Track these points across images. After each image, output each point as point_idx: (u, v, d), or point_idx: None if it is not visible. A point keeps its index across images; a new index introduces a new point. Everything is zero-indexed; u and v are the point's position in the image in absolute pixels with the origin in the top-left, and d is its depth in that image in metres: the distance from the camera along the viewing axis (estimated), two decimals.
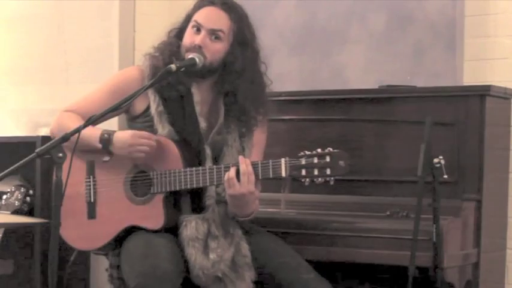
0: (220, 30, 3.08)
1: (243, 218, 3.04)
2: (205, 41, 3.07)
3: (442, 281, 3.12)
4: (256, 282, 3.03)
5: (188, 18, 3.15)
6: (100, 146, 3.05)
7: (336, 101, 3.64)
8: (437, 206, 3.05)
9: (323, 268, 3.11)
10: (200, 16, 3.10)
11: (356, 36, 4.06)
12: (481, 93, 3.41)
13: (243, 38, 3.12)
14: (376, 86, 3.71)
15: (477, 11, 3.86)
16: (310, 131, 3.66)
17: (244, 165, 2.91)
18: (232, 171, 2.90)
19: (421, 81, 3.81)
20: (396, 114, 3.54)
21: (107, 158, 3.09)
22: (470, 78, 3.83)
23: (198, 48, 3.05)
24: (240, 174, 2.91)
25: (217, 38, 3.08)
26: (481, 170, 3.39)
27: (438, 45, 3.86)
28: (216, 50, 3.08)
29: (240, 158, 2.94)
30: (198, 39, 3.07)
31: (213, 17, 3.09)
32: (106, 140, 3.04)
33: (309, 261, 3.09)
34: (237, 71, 3.10)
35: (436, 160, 3.04)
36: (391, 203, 3.42)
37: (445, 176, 3.06)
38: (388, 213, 3.36)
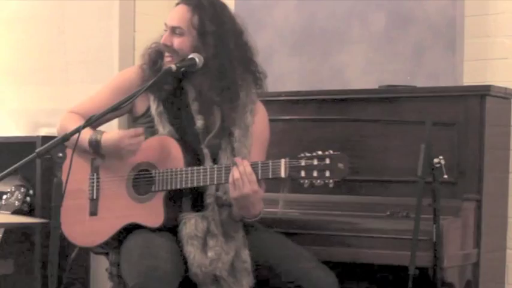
0: (179, 27, 3.10)
1: (250, 219, 3.04)
2: (168, 39, 3.10)
3: (442, 281, 3.12)
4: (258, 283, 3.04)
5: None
6: (91, 150, 3.08)
7: (336, 101, 3.65)
8: (437, 206, 3.06)
9: None
10: (168, 17, 3.15)
11: (356, 36, 4.06)
12: (481, 93, 3.41)
13: (205, 25, 3.09)
14: (376, 86, 3.71)
15: (477, 11, 3.86)
16: (310, 131, 3.66)
17: (242, 166, 2.91)
18: (236, 173, 2.90)
19: (421, 81, 3.81)
20: (396, 114, 3.54)
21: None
22: (470, 78, 3.83)
23: (165, 47, 3.11)
24: (241, 175, 2.91)
25: (180, 33, 3.10)
26: (481, 170, 3.39)
27: (438, 45, 3.86)
28: (179, 43, 3.10)
29: (237, 159, 2.95)
30: (163, 39, 3.13)
31: (173, 14, 3.13)
32: (94, 144, 3.07)
33: None
34: (209, 56, 3.08)
35: (436, 160, 3.05)
36: (391, 203, 3.42)
37: (445, 176, 3.06)
38: (388, 213, 3.36)
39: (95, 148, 3.07)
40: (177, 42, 3.10)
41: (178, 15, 3.11)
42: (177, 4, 3.16)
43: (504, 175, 3.70)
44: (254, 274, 3.03)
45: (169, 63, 3.08)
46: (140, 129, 3.06)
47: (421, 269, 3.10)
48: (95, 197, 3.14)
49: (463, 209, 3.32)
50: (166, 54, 3.12)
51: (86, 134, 3.07)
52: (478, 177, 3.39)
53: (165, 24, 3.14)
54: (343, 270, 3.46)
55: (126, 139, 3.03)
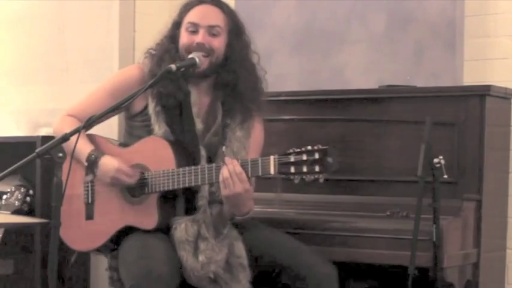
0: (218, 26, 3.12)
1: (241, 217, 3.04)
2: (206, 38, 3.09)
3: (442, 281, 3.12)
4: (257, 277, 3.03)
5: (177, 24, 3.17)
6: (86, 165, 3.07)
7: (336, 101, 3.64)
8: (437, 206, 3.06)
9: None
10: (194, 16, 3.13)
11: (356, 36, 4.06)
12: (481, 93, 3.41)
13: (237, 29, 3.17)
14: (376, 86, 3.71)
15: (477, 11, 3.86)
16: (310, 131, 3.66)
17: (232, 165, 2.90)
18: (226, 172, 2.90)
19: (421, 81, 3.81)
20: (396, 114, 3.54)
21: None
22: (470, 78, 3.83)
23: (201, 46, 3.07)
24: (231, 174, 2.91)
25: (215, 34, 3.11)
26: (481, 170, 3.39)
27: (438, 45, 3.86)
28: (217, 45, 3.11)
29: (226, 159, 2.94)
30: (197, 38, 3.09)
31: (207, 14, 3.13)
32: (92, 161, 3.06)
33: None
34: (237, 60, 3.13)
35: (436, 160, 3.05)
36: (391, 203, 3.42)
37: (445, 176, 3.06)
38: (388, 213, 3.36)
39: (91, 165, 3.06)
40: (216, 42, 3.10)
41: (213, 14, 3.13)
42: (198, 4, 3.14)
43: (504, 175, 3.70)
44: (251, 268, 3.03)
45: (204, 63, 3.06)
46: (137, 172, 3.05)
47: (421, 269, 3.10)
48: (90, 201, 3.13)
49: (463, 209, 3.32)
50: (203, 53, 3.07)
51: (86, 147, 3.07)
52: (478, 177, 3.39)
53: (194, 23, 3.11)
54: (343, 270, 3.46)
55: (122, 175, 3.03)
